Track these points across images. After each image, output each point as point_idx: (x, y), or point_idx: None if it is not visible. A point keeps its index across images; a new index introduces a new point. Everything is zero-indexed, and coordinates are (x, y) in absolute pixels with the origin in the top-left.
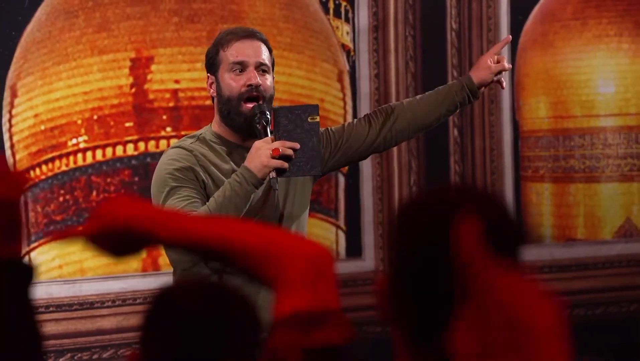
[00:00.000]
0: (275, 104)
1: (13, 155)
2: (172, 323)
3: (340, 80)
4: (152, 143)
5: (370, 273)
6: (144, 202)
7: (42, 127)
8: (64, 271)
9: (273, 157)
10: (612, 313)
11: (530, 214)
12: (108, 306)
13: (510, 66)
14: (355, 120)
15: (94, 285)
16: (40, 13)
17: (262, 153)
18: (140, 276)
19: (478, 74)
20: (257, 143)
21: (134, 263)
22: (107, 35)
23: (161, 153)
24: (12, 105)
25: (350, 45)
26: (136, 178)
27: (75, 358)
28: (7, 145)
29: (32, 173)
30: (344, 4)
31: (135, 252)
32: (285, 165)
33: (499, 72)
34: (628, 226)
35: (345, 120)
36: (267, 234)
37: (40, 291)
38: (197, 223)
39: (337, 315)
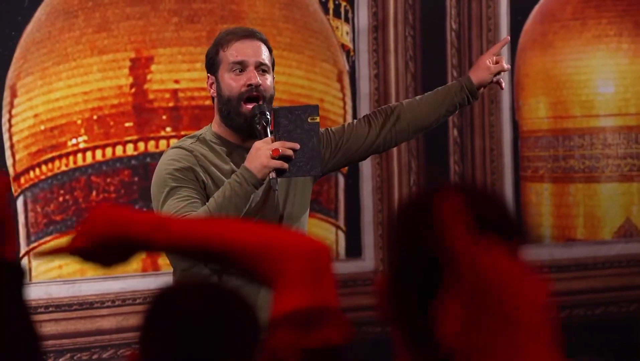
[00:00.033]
0: (275, 104)
1: (13, 155)
2: (172, 323)
3: (340, 80)
4: (151, 143)
5: (370, 273)
6: (134, 210)
7: (42, 127)
8: (63, 271)
9: (273, 158)
10: (612, 313)
11: (529, 214)
12: (108, 307)
13: (509, 67)
14: (355, 120)
15: (94, 285)
16: (40, 13)
17: (262, 153)
18: (139, 277)
19: (477, 75)
20: (257, 144)
21: (133, 263)
22: (106, 35)
23: (161, 153)
24: (11, 105)
25: (350, 46)
26: (136, 179)
27: (75, 358)
28: (6, 145)
29: (31, 173)
30: (343, 4)
31: (125, 260)
32: (285, 165)
33: (498, 73)
34: (628, 226)
35: (345, 120)
36: (264, 233)
37: (40, 292)
38: (192, 226)
39: (337, 314)
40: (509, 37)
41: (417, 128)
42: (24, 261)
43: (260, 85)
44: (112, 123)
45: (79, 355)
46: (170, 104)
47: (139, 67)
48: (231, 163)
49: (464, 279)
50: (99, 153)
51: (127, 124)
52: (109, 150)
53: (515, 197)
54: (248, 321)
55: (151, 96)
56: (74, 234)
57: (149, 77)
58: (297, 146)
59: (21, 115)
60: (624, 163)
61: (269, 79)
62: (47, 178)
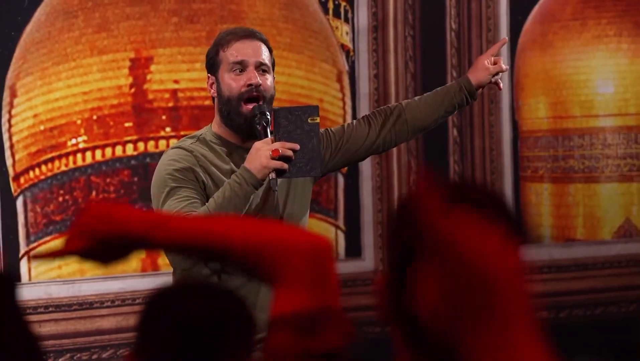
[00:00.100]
0: (275, 104)
1: (12, 155)
2: (168, 323)
3: (339, 80)
4: (151, 143)
5: (370, 273)
6: (132, 207)
7: (42, 127)
8: (63, 271)
9: (273, 158)
10: (611, 313)
11: (529, 214)
12: (107, 307)
13: (507, 67)
14: (355, 121)
15: (93, 285)
16: (39, 13)
17: (262, 154)
18: (139, 277)
19: (476, 75)
20: (257, 144)
21: (133, 263)
22: (106, 35)
23: (161, 153)
24: (11, 105)
25: (350, 46)
26: (135, 179)
27: (75, 358)
28: (6, 145)
29: (31, 173)
30: (343, 4)
31: (124, 257)
32: (285, 166)
33: (497, 73)
34: (627, 226)
35: (344, 120)
36: (265, 230)
37: (40, 292)
38: (192, 223)
39: (338, 316)
40: (507, 38)
41: (417, 128)
42: (24, 261)
43: (260, 85)
44: (111, 123)
45: (78, 355)
46: (170, 104)
47: (139, 67)
48: (231, 164)
49: (439, 251)
50: (98, 154)
51: (126, 124)
52: (108, 150)
53: (514, 197)
54: (244, 321)
55: (151, 96)
56: (69, 233)
57: (148, 77)
58: (297, 147)
59: (21, 115)
60: (623, 163)
61: (269, 79)
62: (46, 178)
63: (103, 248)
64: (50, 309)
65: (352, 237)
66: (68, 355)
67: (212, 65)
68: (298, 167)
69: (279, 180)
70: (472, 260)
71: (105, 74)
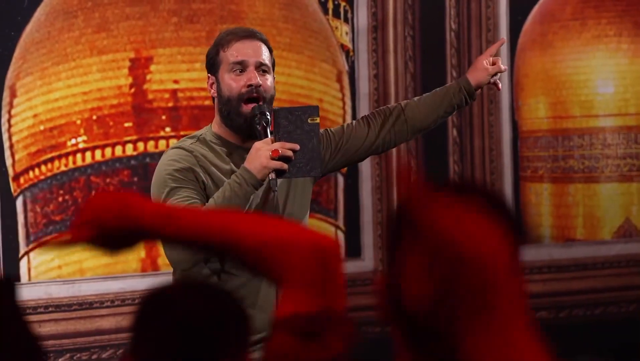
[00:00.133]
0: (275, 104)
1: (12, 155)
2: (164, 324)
3: (339, 80)
4: (151, 143)
5: (370, 273)
6: (141, 197)
7: (41, 127)
8: (63, 271)
9: (273, 158)
10: (611, 313)
11: (529, 214)
12: (107, 307)
13: (506, 68)
14: (354, 121)
15: (93, 285)
16: (39, 13)
17: (262, 154)
18: (139, 277)
19: (475, 76)
20: (257, 144)
21: (133, 263)
22: (106, 35)
23: (160, 153)
24: (11, 106)
25: (350, 46)
26: (135, 179)
27: (75, 358)
28: (6, 145)
29: (31, 173)
30: (343, 4)
31: (130, 247)
32: (285, 166)
33: (495, 74)
34: (627, 226)
35: (344, 120)
36: (273, 228)
37: (40, 292)
38: (203, 218)
39: (341, 321)
40: (505, 39)
41: (416, 129)
42: (24, 261)
43: (260, 85)
44: (111, 123)
45: (78, 355)
46: (170, 104)
47: (139, 67)
48: (231, 164)
49: (423, 235)
50: (98, 154)
51: (126, 124)
52: (108, 150)
53: (514, 197)
54: (240, 320)
55: (150, 96)
56: (77, 221)
57: (148, 77)
58: (297, 147)
59: (20, 115)
60: (623, 163)
61: (269, 80)
62: (46, 178)
63: (111, 237)
64: (50, 309)
65: (352, 237)
66: (68, 355)
67: (212, 65)
68: (298, 167)
69: (279, 180)
70: (455, 243)
71: (105, 74)
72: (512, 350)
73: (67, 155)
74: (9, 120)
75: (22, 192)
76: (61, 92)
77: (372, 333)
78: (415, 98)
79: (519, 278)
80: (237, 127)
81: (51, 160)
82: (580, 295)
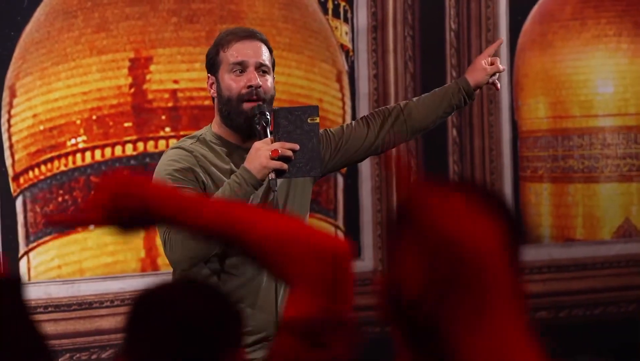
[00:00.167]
0: (275, 104)
1: (12, 155)
2: (157, 324)
3: (339, 80)
4: (151, 143)
5: (369, 273)
6: (156, 183)
7: (41, 127)
8: (62, 271)
9: (272, 158)
10: (611, 313)
11: (529, 214)
12: (107, 307)
13: (505, 68)
14: (354, 121)
15: (93, 285)
16: (39, 13)
17: (262, 154)
18: (139, 277)
19: (474, 76)
20: (257, 144)
21: (132, 263)
22: (106, 35)
23: (160, 153)
24: (11, 106)
25: (349, 46)
26: None
27: (74, 358)
28: (6, 145)
29: (31, 173)
30: (342, 4)
31: (142, 227)
32: (285, 166)
33: (494, 74)
34: (627, 226)
35: (344, 120)
36: (286, 224)
37: (39, 292)
38: (222, 210)
39: (346, 326)
40: (503, 39)
41: (415, 129)
42: (23, 261)
43: (260, 86)
44: (111, 123)
45: (78, 355)
46: (170, 104)
47: (138, 67)
48: (231, 164)
49: (423, 235)
50: (98, 154)
51: (126, 124)
52: (108, 150)
53: (514, 197)
54: (234, 320)
55: (150, 96)
56: (90, 202)
57: (148, 77)
58: (296, 147)
59: (20, 115)
60: (623, 163)
61: (269, 80)
62: (46, 178)
63: (123, 217)
64: (50, 309)
65: (352, 237)
66: (67, 355)
67: (212, 66)
68: (298, 167)
69: (279, 180)
70: (452, 236)
71: (105, 74)
72: (509, 351)
73: (66, 155)
74: (8, 120)
75: (21, 192)
76: (61, 92)
77: (372, 333)
78: (415, 99)
79: (519, 278)
80: (237, 127)
81: (51, 160)
82: (580, 295)
